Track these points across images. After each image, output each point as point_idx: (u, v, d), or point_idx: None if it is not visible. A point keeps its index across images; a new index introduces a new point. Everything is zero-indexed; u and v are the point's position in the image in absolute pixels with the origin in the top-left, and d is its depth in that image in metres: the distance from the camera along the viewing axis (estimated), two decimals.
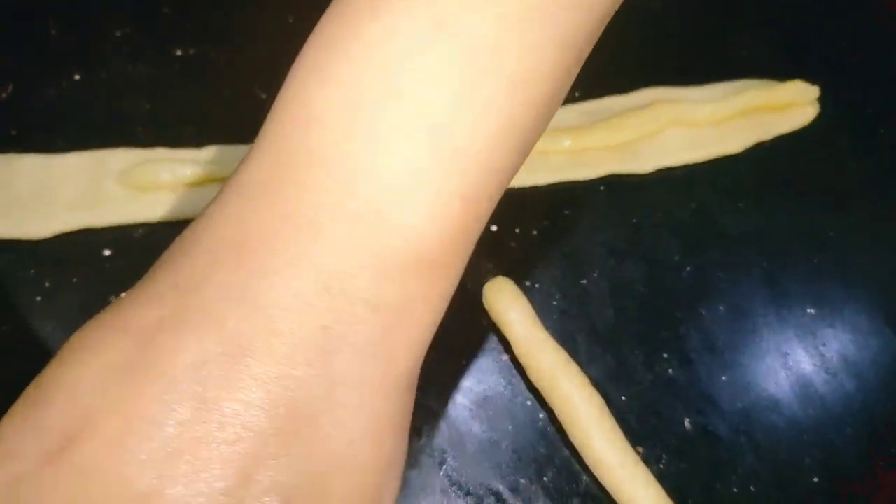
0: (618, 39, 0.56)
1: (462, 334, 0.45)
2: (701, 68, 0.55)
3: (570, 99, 0.53)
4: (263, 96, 0.53)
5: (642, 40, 0.56)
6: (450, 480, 0.41)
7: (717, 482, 0.42)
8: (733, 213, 0.50)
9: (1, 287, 0.45)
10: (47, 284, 0.45)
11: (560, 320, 0.45)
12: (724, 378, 0.44)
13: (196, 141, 0.51)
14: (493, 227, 0.49)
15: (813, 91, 0.52)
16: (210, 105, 0.52)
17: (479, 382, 0.44)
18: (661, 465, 0.42)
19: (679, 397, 0.44)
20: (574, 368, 0.42)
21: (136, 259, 0.46)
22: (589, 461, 0.41)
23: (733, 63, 0.55)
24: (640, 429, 0.43)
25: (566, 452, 0.42)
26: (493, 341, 0.45)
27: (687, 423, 0.43)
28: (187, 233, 0.30)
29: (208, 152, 0.50)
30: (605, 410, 0.41)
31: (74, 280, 0.46)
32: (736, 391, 0.44)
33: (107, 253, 0.46)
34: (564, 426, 0.42)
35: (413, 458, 0.42)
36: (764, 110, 0.52)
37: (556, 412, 0.42)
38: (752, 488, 0.42)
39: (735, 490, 0.42)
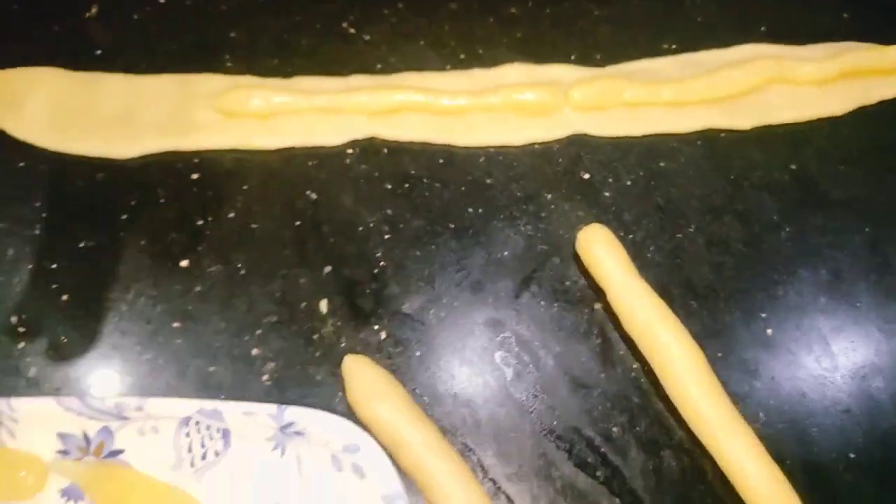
0: None
1: (554, 281, 0.44)
2: (801, 29, 0.53)
3: (667, 51, 0.52)
4: (352, 31, 0.52)
5: None
6: (540, 423, 0.40)
7: (815, 446, 0.40)
8: (835, 177, 0.48)
9: (88, 203, 0.45)
10: (133, 203, 0.45)
11: (654, 273, 0.44)
12: (823, 341, 0.43)
13: (282, 72, 0.50)
14: (585, 175, 0.48)
15: None
16: (298, 37, 0.51)
17: (571, 328, 0.43)
18: (758, 426, 0.40)
19: (777, 358, 0.43)
20: (673, 319, 0.41)
21: (225, 184, 0.46)
22: (685, 413, 0.40)
23: (835, 25, 0.54)
24: (736, 387, 0.41)
25: (660, 405, 0.41)
26: (585, 289, 0.44)
27: (785, 384, 0.42)
28: None
29: (298, 83, 0.49)
30: (705, 363, 0.40)
31: (161, 201, 0.45)
32: (836, 356, 0.43)
33: (194, 177, 0.46)
34: (661, 377, 0.40)
35: (502, 400, 0.41)
36: (868, 74, 0.51)
37: (653, 363, 0.41)
38: (851, 455, 0.40)
39: (834, 455, 0.40)
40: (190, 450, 0.37)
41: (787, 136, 0.49)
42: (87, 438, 0.37)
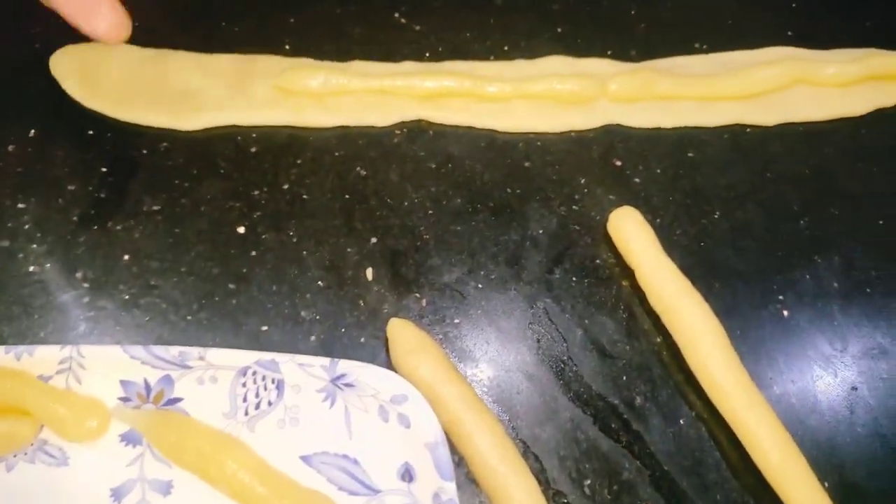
0: (746, 0, 0.58)
1: (584, 258, 0.47)
2: (825, 35, 0.56)
3: (697, 50, 0.55)
4: (403, 21, 0.55)
5: (771, 2, 0.58)
6: (568, 390, 0.43)
7: (824, 419, 0.43)
8: (852, 172, 0.51)
9: (152, 170, 0.48)
10: (195, 172, 0.48)
11: (680, 254, 0.47)
12: (835, 323, 0.46)
13: (337, 57, 0.53)
14: (617, 162, 0.50)
15: None
16: (352, 25, 0.54)
17: (599, 303, 0.46)
18: (772, 400, 0.43)
19: (791, 336, 0.45)
20: (697, 296, 0.44)
21: (281, 158, 0.49)
22: (705, 383, 0.42)
23: (857, 33, 0.56)
24: (752, 362, 0.44)
25: (680, 377, 0.44)
26: (613, 267, 0.47)
27: (798, 361, 0.45)
28: None
29: (352, 66, 0.52)
30: (725, 338, 0.43)
31: (221, 171, 0.48)
32: (846, 337, 0.46)
33: (253, 150, 0.49)
34: (683, 350, 0.43)
35: (533, 367, 0.44)
36: (887, 78, 0.53)
37: (676, 336, 0.44)
38: (858, 429, 0.43)
39: (841, 429, 0.43)
40: (245, 399, 0.40)
41: (809, 133, 0.52)
42: (147, 386, 0.40)
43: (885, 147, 0.52)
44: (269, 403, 0.40)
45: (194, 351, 0.39)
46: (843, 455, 0.42)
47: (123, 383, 0.40)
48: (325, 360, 0.39)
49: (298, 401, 0.40)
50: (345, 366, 0.39)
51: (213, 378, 0.40)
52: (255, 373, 0.40)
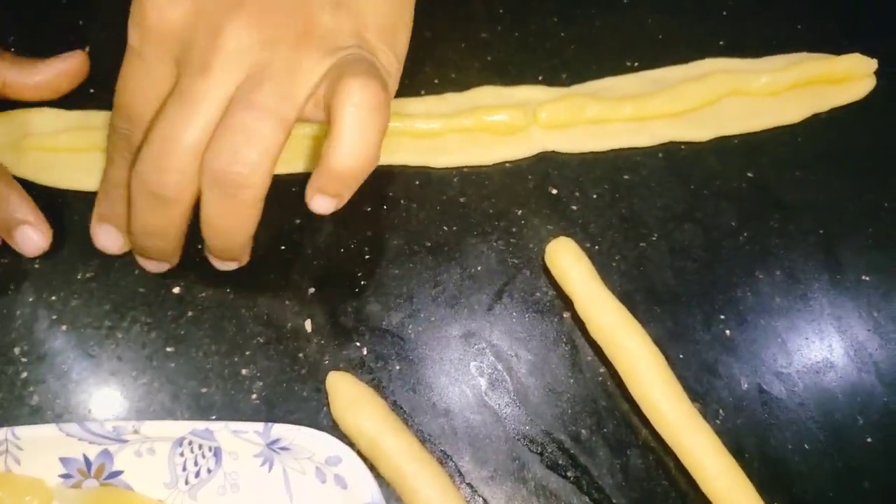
0: (676, 12, 0.57)
1: (524, 292, 0.47)
2: (757, 41, 0.55)
3: (630, 68, 0.54)
4: None
5: (700, 13, 0.57)
6: (514, 429, 0.43)
7: (772, 438, 0.43)
8: (790, 182, 0.51)
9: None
10: None
11: (620, 281, 0.47)
12: (779, 340, 0.46)
13: None
14: (553, 191, 0.50)
15: (870, 64, 0.53)
16: None
17: (541, 337, 0.45)
18: (718, 421, 0.43)
19: (736, 357, 0.45)
20: (635, 325, 0.43)
21: None
22: (648, 413, 0.42)
23: (789, 36, 0.56)
24: (697, 386, 0.44)
25: (626, 406, 0.43)
26: (554, 299, 0.46)
27: (743, 382, 0.45)
28: None
29: None
30: (665, 366, 0.43)
31: None
32: (791, 353, 0.45)
33: None
34: (625, 380, 0.43)
35: (477, 408, 0.43)
36: (821, 82, 0.53)
37: (617, 367, 0.43)
38: (805, 446, 0.43)
39: (790, 447, 0.43)
40: (184, 468, 0.40)
41: (744, 145, 0.52)
42: (87, 461, 0.40)
43: (823, 153, 0.52)
44: (209, 471, 0.40)
45: (128, 425, 0.39)
46: (791, 473, 0.42)
47: (63, 460, 0.40)
48: (259, 426, 0.39)
49: (237, 467, 0.39)
50: (278, 430, 0.38)
51: (150, 450, 0.40)
52: (190, 442, 0.39)
